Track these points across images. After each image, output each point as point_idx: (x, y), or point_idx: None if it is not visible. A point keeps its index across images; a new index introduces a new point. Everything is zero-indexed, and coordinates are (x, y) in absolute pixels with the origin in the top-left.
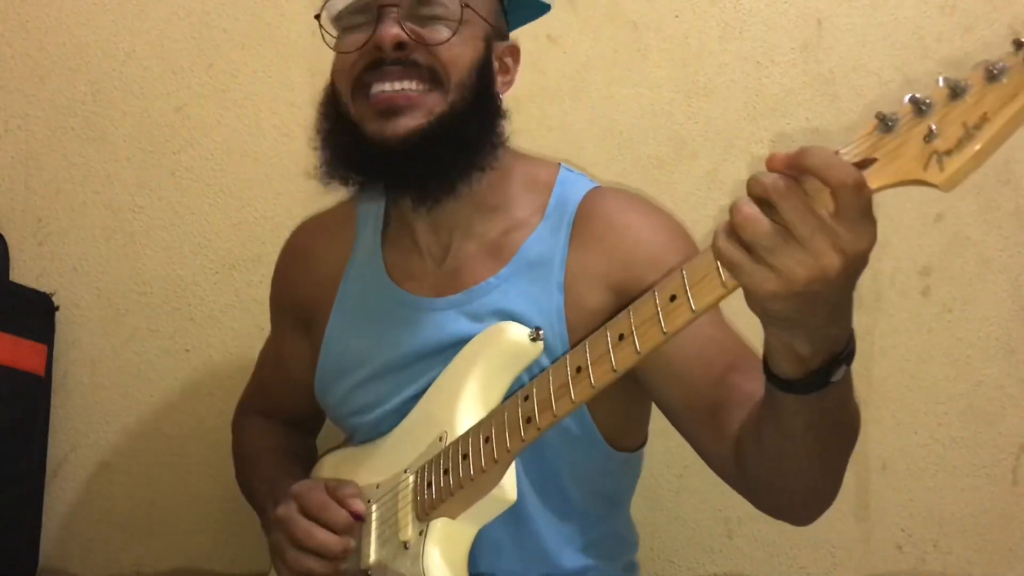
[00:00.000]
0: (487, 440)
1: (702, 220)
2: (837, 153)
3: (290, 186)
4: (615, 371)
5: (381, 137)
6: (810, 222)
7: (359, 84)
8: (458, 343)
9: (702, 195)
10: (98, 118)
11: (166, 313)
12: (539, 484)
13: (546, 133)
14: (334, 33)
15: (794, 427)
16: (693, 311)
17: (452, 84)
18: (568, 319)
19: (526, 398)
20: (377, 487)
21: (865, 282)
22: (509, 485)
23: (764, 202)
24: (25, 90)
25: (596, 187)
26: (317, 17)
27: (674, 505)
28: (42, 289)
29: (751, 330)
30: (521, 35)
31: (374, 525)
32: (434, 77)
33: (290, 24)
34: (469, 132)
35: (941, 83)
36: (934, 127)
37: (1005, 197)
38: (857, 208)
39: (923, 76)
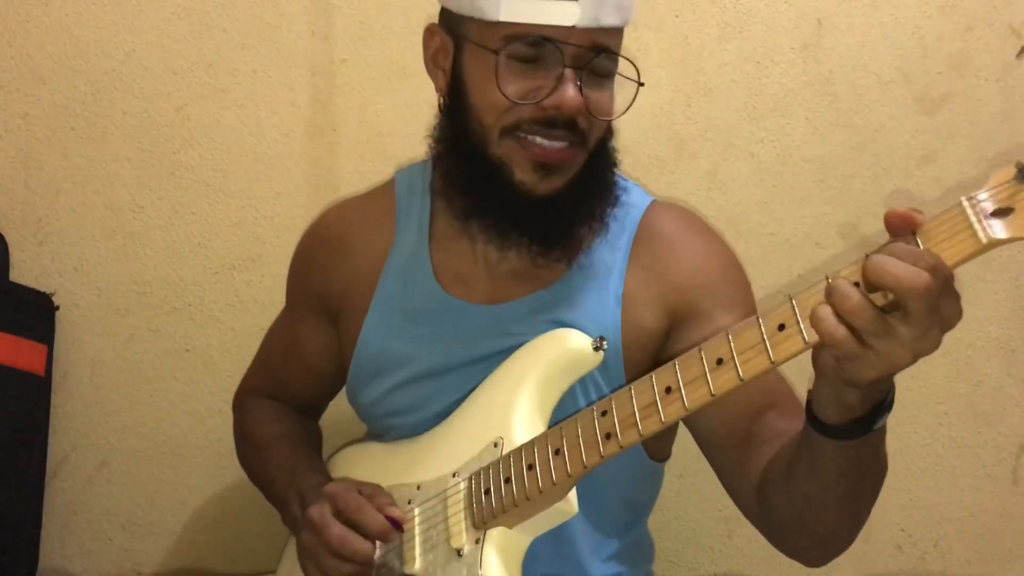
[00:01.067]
0: (557, 452)
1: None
2: (972, 200)
3: (290, 186)
4: (713, 395)
5: (531, 191)
6: (936, 317)
7: (514, 128)
8: (506, 352)
9: (702, 195)
10: (98, 118)
11: (166, 313)
12: (581, 494)
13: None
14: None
15: (828, 473)
16: (806, 343)
17: (593, 142)
18: (624, 334)
19: (604, 413)
20: (418, 488)
21: None
22: (574, 498)
23: (881, 288)
24: (25, 90)
25: (654, 201)
26: (504, 45)
27: (675, 505)
28: (42, 289)
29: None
30: None
31: (417, 529)
32: (583, 140)
33: (290, 24)
34: (599, 183)
35: None
36: None
37: None
38: (945, 304)
39: (922, 76)
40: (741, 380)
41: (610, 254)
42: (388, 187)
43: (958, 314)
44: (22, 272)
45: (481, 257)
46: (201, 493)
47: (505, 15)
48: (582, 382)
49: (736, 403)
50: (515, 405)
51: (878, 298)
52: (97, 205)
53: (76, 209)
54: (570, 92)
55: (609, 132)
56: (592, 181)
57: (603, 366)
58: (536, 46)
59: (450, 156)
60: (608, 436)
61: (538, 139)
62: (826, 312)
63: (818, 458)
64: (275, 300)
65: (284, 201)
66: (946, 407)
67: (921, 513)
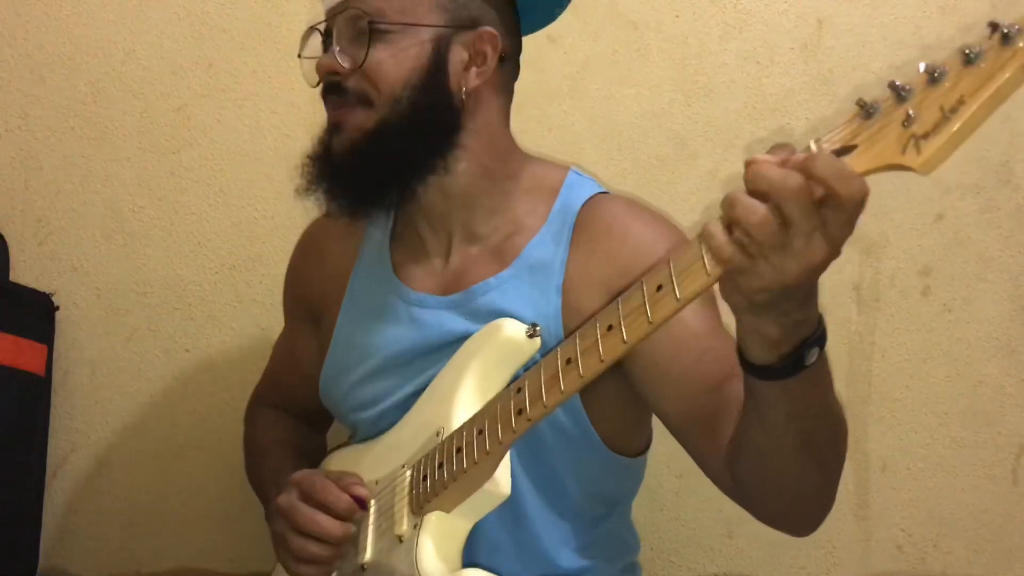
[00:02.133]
0: (480, 432)
1: (702, 220)
2: (819, 141)
3: (290, 186)
4: (602, 361)
5: (329, 149)
6: (813, 220)
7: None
8: (457, 341)
9: (702, 195)
10: (98, 118)
11: (166, 313)
12: (538, 484)
13: (546, 133)
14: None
15: (775, 419)
16: (678, 300)
17: (382, 101)
18: (565, 322)
19: (519, 391)
20: (376, 483)
21: (865, 282)
22: (503, 479)
23: (763, 196)
24: (25, 90)
25: (600, 192)
26: (299, 56)
27: (674, 505)
28: (42, 289)
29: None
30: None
31: (371, 520)
32: (362, 98)
33: (290, 24)
34: (401, 145)
35: (921, 68)
36: (912, 112)
37: (1005, 197)
38: (856, 213)
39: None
40: (625, 343)
41: (553, 244)
42: None
43: (845, 225)
44: (22, 272)
45: (432, 251)
46: (201, 493)
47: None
48: (526, 368)
49: (693, 379)
50: (456, 396)
51: None
52: (97, 205)
53: (76, 209)
54: (321, 58)
55: (433, 84)
56: (395, 139)
57: (546, 354)
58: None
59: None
60: (520, 411)
61: (327, 108)
62: (716, 228)
63: (761, 406)
64: (275, 300)
65: (284, 201)
66: (946, 407)
67: (921, 513)
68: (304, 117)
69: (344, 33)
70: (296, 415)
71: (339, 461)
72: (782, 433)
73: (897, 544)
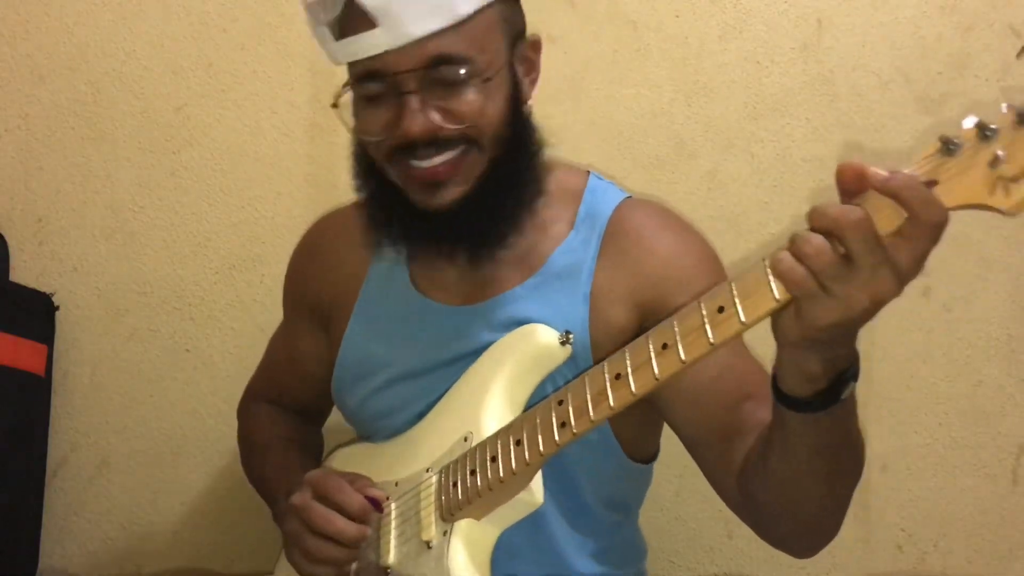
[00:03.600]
0: (518, 443)
1: (702, 220)
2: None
3: (290, 186)
4: (657, 379)
5: (427, 209)
6: (878, 253)
7: (390, 157)
8: (480, 351)
9: (702, 195)
10: (98, 118)
11: (166, 313)
12: (556, 489)
13: (546, 133)
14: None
15: (799, 450)
16: (743, 323)
17: (488, 142)
18: (592, 332)
19: (560, 402)
20: (396, 484)
21: None
22: (537, 488)
23: (826, 232)
24: (25, 90)
25: (627, 198)
26: (335, 106)
27: (674, 505)
28: (42, 289)
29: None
30: None
31: (393, 523)
32: (468, 140)
33: (290, 24)
34: (513, 180)
35: (1004, 109)
36: (1001, 154)
37: None
38: (932, 243)
39: (922, 76)
40: (683, 362)
41: (581, 251)
42: None
43: (913, 259)
44: (22, 272)
45: (454, 260)
46: (201, 493)
47: (342, 58)
48: (554, 380)
49: (711, 395)
50: (485, 401)
51: None
52: (97, 205)
53: (76, 209)
54: (410, 119)
55: (516, 123)
56: (504, 179)
57: (573, 363)
58: (370, 82)
59: (366, 187)
60: (563, 424)
61: (412, 162)
62: (786, 255)
63: (789, 437)
64: (275, 300)
65: (284, 201)
66: (946, 407)
67: (921, 513)
68: (304, 117)
69: (433, 85)
70: (292, 410)
71: (349, 459)
72: (806, 463)
73: (897, 544)
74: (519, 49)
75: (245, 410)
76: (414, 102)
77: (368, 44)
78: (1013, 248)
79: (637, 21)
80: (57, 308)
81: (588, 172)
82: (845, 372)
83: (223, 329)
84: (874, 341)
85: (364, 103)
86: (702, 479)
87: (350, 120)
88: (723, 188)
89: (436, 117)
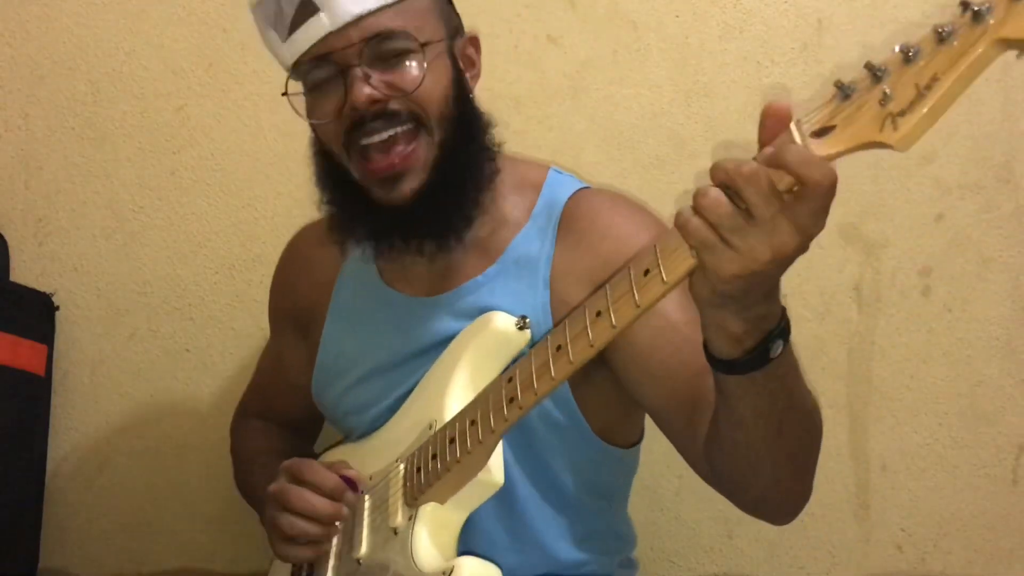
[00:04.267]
0: (473, 423)
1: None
2: (798, 123)
3: (290, 186)
4: (592, 346)
5: (388, 203)
6: (773, 204)
7: (348, 142)
8: (446, 341)
9: None
10: (98, 118)
11: (166, 313)
12: (533, 477)
13: (546, 133)
14: (297, 90)
15: (743, 413)
16: (665, 282)
17: (434, 122)
18: (554, 315)
19: (510, 380)
20: (370, 478)
21: (865, 282)
22: (496, 468)
23: (727, 188)
24: (25, 90)
25: (583, 187)
26: (284, 95)
27: (674, 505)
28: (42, 289)
29: None
30: (521, 35)
31: (367, 516)
32: (415, 118)
33: None
34: (466, 165)
35: (896, 49)
36: (888, 90)
37: (1005, 197)
38: (826, 200)
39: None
40: (614, 327)
41: (538, 239)
42: None
43: (814, 213)
44: (22, 272)
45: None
46: (201, 493)
47: (290, 58)
48: (516, 361)
49: (672, 368)
50: (447, 389)
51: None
52: (97, 205)
53: (76, 209)
54: (356, 89)
55: (461, 102)
56: (458, 163)
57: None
58: (317, 68)
59: (328, 192)
60: (511, 400)
61: (363, 140)
62: (685, 209)
63: (729, 400)
64: None
65: (284, 201)
66: (946, 407)
67: (921, 513)
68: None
69: (374, 60)
70: (284, 425)
71: (333, 459)
72: (751, 426)
73: (897, 544)
74: (458, 43)
75: (236, 428)
76: (358, 73)
77: (313, 30)
78: (1013, 248)
79: (637, 21)
80: (57, 308)
81: (549, 167)
82: (772, 331)
83: (223, 329)
84: (874, 341)
85: (315, 93)
86: (703, 480)
87: (301, 107)
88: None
89: (380, 87)
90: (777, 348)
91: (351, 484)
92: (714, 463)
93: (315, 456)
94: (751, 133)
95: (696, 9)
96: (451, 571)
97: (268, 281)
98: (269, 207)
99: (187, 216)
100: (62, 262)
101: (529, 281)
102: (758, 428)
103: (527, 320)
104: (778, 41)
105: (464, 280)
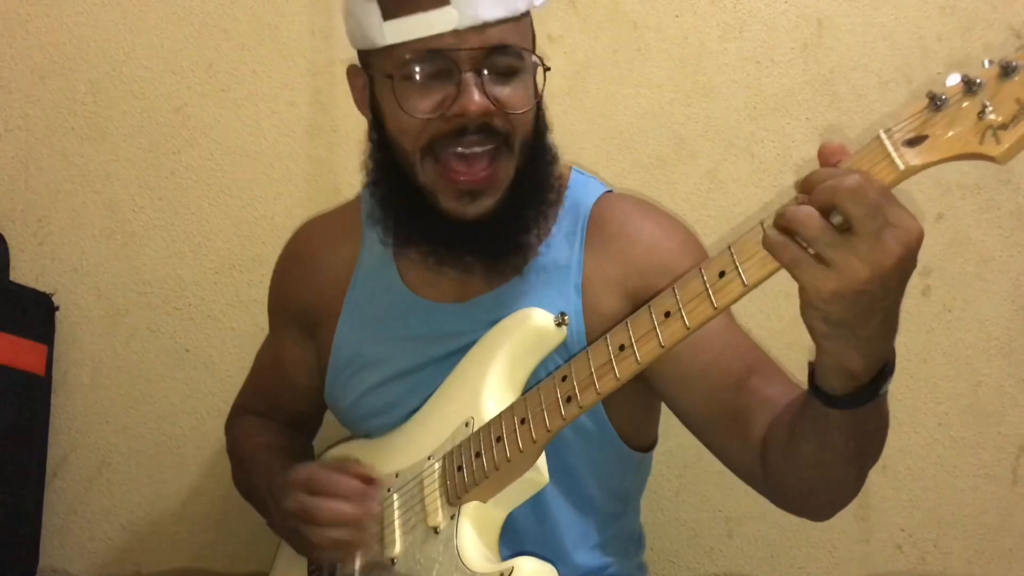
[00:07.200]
0: (523, 421)
1: (702, 220)
2: (889, 131)
3: (290, 186)
4: (663, 346)
5: (460, 216)
6: (878, 218)
7: (432, 144)
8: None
9: (702, 195)
10: (98, 118)
11: (166, 313)
12: (560, 481)
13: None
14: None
15: (836, 440)
16: (745, 285)
17: (519, 145)
18: (586, 321)
19: (564, 378)
20: (396, 475)
21: None
22: (543, 466)
23: (820, 202)
24: (25, 90)
25: (607, 191)
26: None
27: (674, 505)
28: (42, 289)
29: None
30: None
31: (397, 514)
32: (506, 139)
33: (290, 24)
34: (535, 191)
35: (987, 64)
36: (988, 104)
37: (1005, 197)
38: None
39: (922, 76)
40: (688, 328)
41: (567, 246)
42: (355, 203)
43: (909, 221)
44: (22, 272)
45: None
46: (201, 493)
47: (390, 38)
48: (546, 367)
49: (714, 376)
50: (484, 385)
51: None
52: (97, 205)
53: (76, 209)
54: (471, 96)
55: (539, 130)
56: (528, 190)
57: (566, 351)
58: (428, 61)
59: (382, 187)
60: (568, 399)
61: (458, 150)
62: (773, 231)
63: (826, 429)
64: None
65: (284, 201)
66: (946, 407)
67: (921, 513)
68: (304, 117)
69: (491, 71)
70: (282, 421)
71: (346, 456)
72: (841, 451)
73: (897, 544)
74: (538, 69)
75: (232, 425)
76: (474, 79)
77: (439, 21)
78: (1013, 248)
79: (637, 21)
80: (57, 308)
81: (570, 168)
82: (885, 368)
83: (223, 329)
84: None
85: (411, 83)
86: (702, 479)
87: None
88: (723, 188)
89: (493, 100)
90: (887, 385)
91: (370, 483)
92: (781, 476)
93: (312, 452)
94: (751, 133)
95: (696, 9)
96: (510, 572)
97: (268, 281)
98: (269, 207)
99: (187, 216)
100: (62, 262)
101: (560, 287)
102: (847, 452)
103: (566, 317)
104: (778, 41)
105: (492, 287)
